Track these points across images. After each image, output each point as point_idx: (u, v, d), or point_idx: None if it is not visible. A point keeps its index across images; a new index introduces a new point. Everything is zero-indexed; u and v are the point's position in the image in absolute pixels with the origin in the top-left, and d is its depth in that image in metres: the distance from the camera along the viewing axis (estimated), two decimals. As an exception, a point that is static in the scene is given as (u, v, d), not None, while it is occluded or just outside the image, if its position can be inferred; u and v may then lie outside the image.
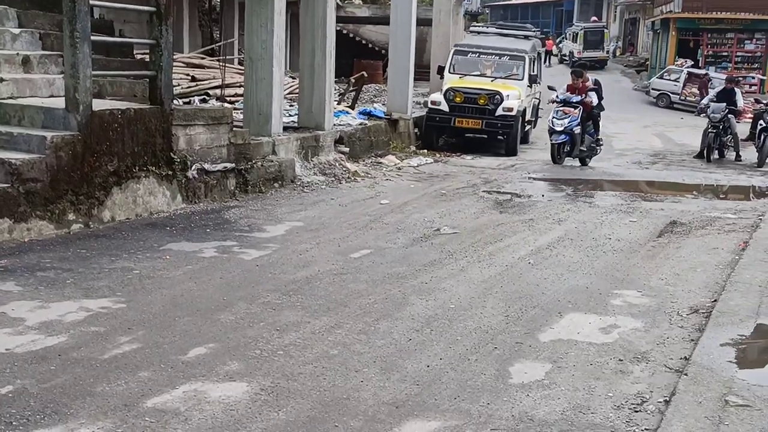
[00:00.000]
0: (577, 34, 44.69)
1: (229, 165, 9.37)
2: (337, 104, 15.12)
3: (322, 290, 6.08)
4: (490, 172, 12.86)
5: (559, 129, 13.86)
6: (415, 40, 16.10)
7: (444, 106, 15.76)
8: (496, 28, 20.19)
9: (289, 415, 4.02)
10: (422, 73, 20.69)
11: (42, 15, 9.71)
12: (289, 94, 15.01)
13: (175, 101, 9.71)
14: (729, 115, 15.89)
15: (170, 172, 8.45)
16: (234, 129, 9.62)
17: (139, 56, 11.14)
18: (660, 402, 4.36)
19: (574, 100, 14.00)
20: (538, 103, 19.12)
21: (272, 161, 10.25)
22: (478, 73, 16.64)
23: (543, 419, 4.13)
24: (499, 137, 16.00)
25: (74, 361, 4.49)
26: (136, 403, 4.04)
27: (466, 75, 16.53)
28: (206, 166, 9.00)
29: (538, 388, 4.51)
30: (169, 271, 6.32)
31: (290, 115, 12.92)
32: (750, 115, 17.68)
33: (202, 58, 16.86)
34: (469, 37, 19.68)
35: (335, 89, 14.47)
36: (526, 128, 17.71)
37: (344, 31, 28.76)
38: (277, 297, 5.84)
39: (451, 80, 16.46)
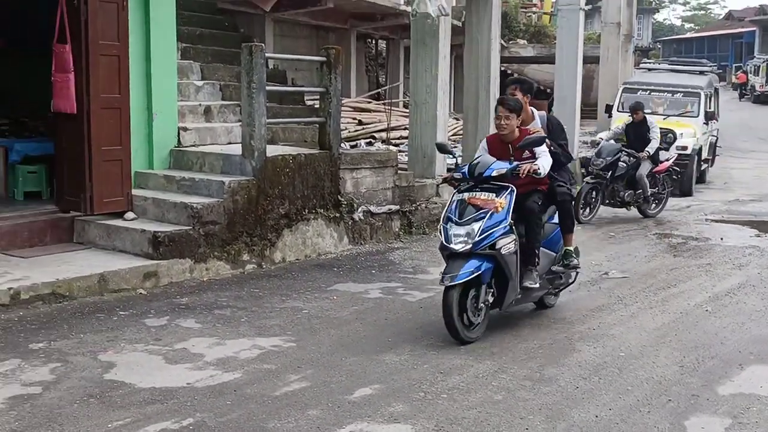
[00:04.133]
0: (759, 67, 42.22)
1: (393, 207, 9.55)
2: (501, 145, 15.04)
3: (486, 333, 6.01)
4: (662, 213, 12.30)
5: (457, 246, 5.72)
6: (581, 78, 15.83)
7: (613, 146, 15.30)
8: (668, 63, 19.51)
9: (453, 461, 3.97)
10: (589, 111, 20.31)
11: (222, 67, 10.42)
12: (453, 135, 15.14)
13: (342, 145, 10.05)
14: (626, 159, 11.33)
15: (337, 215, 8.72)
16: (398, 171, 9.82)
17: (309, 102, 11.65)
18: None
19: (494, 172, 5.98)
20: (716, 141, 18.35)
21: (436, 203, 10.33)
22: (649, 111, 16.05)
23: (724, 480, 3.84)
24: (673, 177, 15.27)
25: (248, 397, 4.68)
26: (303, 441, 4.14)
27: (635, 113, 15.98)
28: (372, 208, 9.22)
29: (718, 445, 4.22)
30: (337, 312, 6.49)
31: (454, 157, 12.97)
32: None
33: (369, 102, 17.39)
34: (638, 74, 19.12)
35: (499, 130, 14.43)
36: (702, 167, 17.02)
37: (508, 71, 28.75)
38: (440, 339, 5.83)
39: (619, 118, 15.98)
